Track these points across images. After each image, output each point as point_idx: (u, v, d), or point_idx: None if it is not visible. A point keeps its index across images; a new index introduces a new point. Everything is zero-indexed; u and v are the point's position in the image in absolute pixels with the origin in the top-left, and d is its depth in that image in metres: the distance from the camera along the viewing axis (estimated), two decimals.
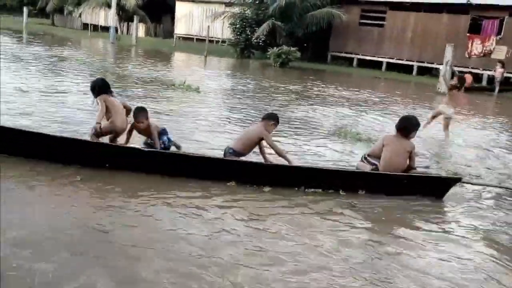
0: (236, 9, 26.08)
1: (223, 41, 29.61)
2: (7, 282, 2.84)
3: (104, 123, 5.41)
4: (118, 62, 17.73)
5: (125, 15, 35.16)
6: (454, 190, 5.39)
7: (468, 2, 21.72)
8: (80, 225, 3.68)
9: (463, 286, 3.40)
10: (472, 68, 21.66)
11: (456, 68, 12.54)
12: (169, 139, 5.63)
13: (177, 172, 4.91)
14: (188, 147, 5.92)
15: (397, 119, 5.68)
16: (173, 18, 34.89)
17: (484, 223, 4.71)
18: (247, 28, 24.78)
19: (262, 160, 5.45)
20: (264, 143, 5.36)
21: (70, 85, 10.66)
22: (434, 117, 8.85)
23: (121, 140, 5.57)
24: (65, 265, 3.10)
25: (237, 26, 25.01)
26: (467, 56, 22.02)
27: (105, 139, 5.51)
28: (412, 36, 23.88)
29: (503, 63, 19.27)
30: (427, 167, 6.40)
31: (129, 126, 5.52)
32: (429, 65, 23.12)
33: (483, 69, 21.76)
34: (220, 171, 5.02)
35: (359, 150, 6.85)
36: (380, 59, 24.75)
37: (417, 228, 4.43)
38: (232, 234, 3.82)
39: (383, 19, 24.93)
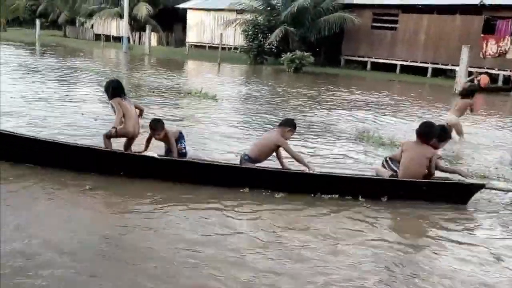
0: (247, 16, 26.14)
1: (235, 48, 29.72)
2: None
3: (118, 127, 5.43)
4: (133, 71, 17.86)
5: (137, 25, 35.49)
6: (479, 195, 5.30)
7: (481, 3, 21.53)
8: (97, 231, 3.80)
9: None
10: (488, 68, 21.46)
11: (471, 69, 12.23)
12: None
13: (192, 180, 4.97)
14: (209, 154, 6.03)
15: (418, 123, 5.60)
16: (184, 27, 35.09)
17: (509, 228, 4.65)
18: (259, 35, 24.86)
19: (279, 166, 5.39)
20: (281, 149, 5.28)
21: (86, 93, 10.82)
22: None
23: (137, 144, 5.62)
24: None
25: (250, 32, 25.08)
26: (482, 56, 21.81)
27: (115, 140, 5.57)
28: (425, 38, 23.72)
29: None
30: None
31: (146, 134, 5.55)
32: (444, 67, 22.96)
33: (499, 69, 21.56)
34: (234, 178, 5.03)
35: (384, 154, 6.75)
36: (394, 62, 24.62)
37: (441, 235, 4.36)
38: (257, 241, 3.86)
39: (395, 22, 24.83)
